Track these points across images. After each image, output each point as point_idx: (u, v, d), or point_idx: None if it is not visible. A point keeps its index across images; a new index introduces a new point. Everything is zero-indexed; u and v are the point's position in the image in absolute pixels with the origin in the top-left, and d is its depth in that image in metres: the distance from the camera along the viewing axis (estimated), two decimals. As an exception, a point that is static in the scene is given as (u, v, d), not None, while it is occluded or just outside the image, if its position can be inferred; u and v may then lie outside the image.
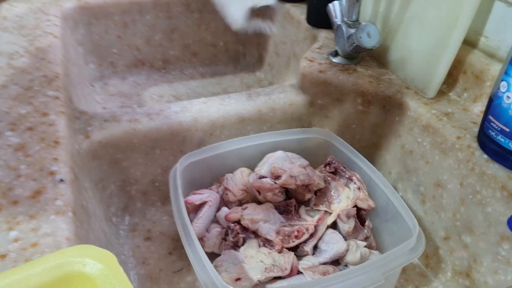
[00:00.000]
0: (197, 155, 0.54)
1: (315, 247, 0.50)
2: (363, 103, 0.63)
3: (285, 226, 0.50)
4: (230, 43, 0.92)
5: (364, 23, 0.60)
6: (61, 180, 0.39)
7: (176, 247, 0.55)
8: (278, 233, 0.49)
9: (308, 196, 0.54)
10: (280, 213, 0.52)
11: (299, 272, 0.48)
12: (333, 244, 0.50)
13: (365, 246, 0.52)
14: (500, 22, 0.53)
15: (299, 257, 0.50)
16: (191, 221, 0.50)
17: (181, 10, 0.87)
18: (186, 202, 0.51)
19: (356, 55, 0.66)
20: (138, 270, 0.52)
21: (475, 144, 0.49)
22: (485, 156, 0.47)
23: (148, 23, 0.85)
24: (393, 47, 0.63)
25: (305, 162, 0.58)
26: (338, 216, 0.52)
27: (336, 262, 0.50)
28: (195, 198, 0.52)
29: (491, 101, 0.46)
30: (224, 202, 0.55)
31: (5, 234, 0.33)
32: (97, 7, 0.80)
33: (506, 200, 0.44)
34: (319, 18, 0.74)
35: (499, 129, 0.44)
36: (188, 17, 0.88)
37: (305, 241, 0.50)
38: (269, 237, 0.48)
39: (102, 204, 0.54)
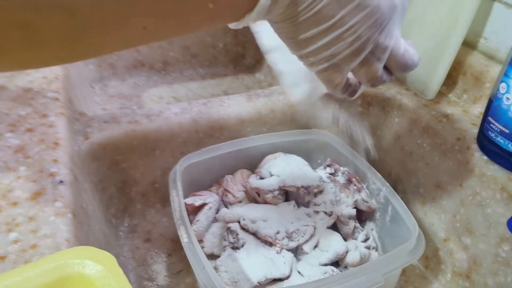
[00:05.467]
0: (196, 156, 0.54)
1: (315, 249, 0.50)
2: (362, 104, 0.63)
3: (284, 227, 0.50)
4: (230, 45, 0.92)
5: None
6: (61, 182, 0.39)
7: (175, 248, 0.55)
8: (277, 234, 0.49)
9: (307, 198, 0.54)
10: (280, 214, 0.52)
11: (298, 274, 0.48)
12: (333, 246, 0.50)
13: (365, 248, 0.52)
14: (499, 24, 0.53)
15: (299, 258, 0.50)
16: (191, 222, 0.49)
17: (181, 12, 0.87)
18: (185, 204, 0.50)
19: (356, 57, 0.66)
20: (138, 272, 0.52)
21: (474, 146, 0.49)
22: (485, 157, 0.47)
23: (148, 25, 0.85)
24: (393, 48, 0.63)
25: (304, 163, 0.58)
26: (338, 217, 0.52)
27: (336, 263, 0.50)
28: (195, 200, 0.52)
29: (490, 102, 0.46)
30: (224, 203, 0.55)
31: (4, 235, 0.33)
32: (97, 9, 0.80)
33: (506, 202, 0.44)
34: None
35: (498, 130, 0.44)
36: (188, 18, 0.88)
37: (304, 243, 0.50)
38: (268, 239, 0.48)
39: (102, 206, 0.54)
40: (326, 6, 0.26)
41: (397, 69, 0.33)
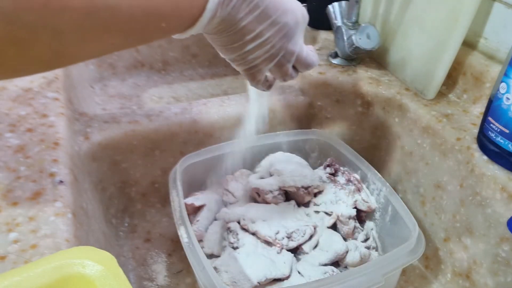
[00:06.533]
0: (197, 156, 0.54)
1: (315, 249, 0.50)
2: (362, 104, 0.63)
3: (284, 227, 0.50)
4: (229, 45, 0.92)
5: (363, 25, 0.60)
6: (61, 182, 0.39)
7: (175, 248, 0.55)
8: (277, 234, 0.49)
9: (307, 198, 0.54)
10: (280, 214, 0.52)
11: (298, 274, 0.48)
12: (332, 246, 0.50)
13: (365, 248, 0.52)
14: (499, 24, 0.53)
15: (299, 258, 0.50)
16: (191, 222, 0.49)
17: (181, 12, 0.86)
18: (185, 204, 0.50)
19: (356, 57, 0.66)
20: (138, 272, 0.52)
21: (474, 146, 0.49)
22: (485, 157, 0.47)
23: (147, 25, 0.84)
24: (393, 48, 0.63)
25: (304, 163, 0.58)
26: (338, 217, 0.52)
27: (336, 263, 0.50)
28: (195, 200, 0.52)
29: (490, 102, 0.46)
30: (224, 203, 0.55)
31: (4, 235, 0.33)
32: (97, 9, 0.80)
33: (506, 201, 0.44)
34: (319, 19, 0.74)
35: (498, 130, 0.44)
36: (187, 18, 0.87)
37: (304, 243, 0.50)
38: (268, 239, 0.48)
39: (102, 206, 0.54)
40: (248, 23, 0.35)
41: (302, 67, 0.42)
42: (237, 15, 0.34)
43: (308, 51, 0.42)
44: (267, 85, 0.44)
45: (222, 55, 0.40)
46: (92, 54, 0.31)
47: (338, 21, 0.64)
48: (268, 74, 0.43)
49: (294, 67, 0.42)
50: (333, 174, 0.57)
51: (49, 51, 0.27)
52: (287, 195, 0.55)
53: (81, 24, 0.26)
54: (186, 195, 0.53)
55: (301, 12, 0.39)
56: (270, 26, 0.36)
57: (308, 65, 0.42)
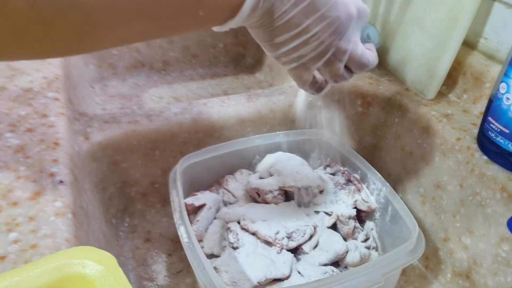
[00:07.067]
0: (197, 156, 0.54)
1: (315, 249, 0.50)
2: (362, 104, 0.63)
3: (284, 227, 0.50)
4: (230, 45, 0.92)
5: (363, 25, 0.60)
6: (61, 182, 0.39)
7: (175, 248, 0.55)
8: (277, 234, 0.49)
9: (307, 198, 0.54)
10: (280, 214, 0.52)
11: (298, 274, 0.48)
12: (332, 246, 0.50)
13: (365, 248, 0.52)
14: (499, 24, 0.53)
15: (299, 258, 0.50)
16: (191, 222, 0.49)
17: (181, 12, 0.86)
18: (185, 204, 0.50)
19: (356, 57, 0.66)
20: (138, 272, 0.52)
21: (474, 146, 0.49)
22: (485, 157, 0.47)
23: (148, 25, 0.84)
24: (393, 48, 0.63)
25: (304, 163, 0.58)
26: (338, 217, 0.52)
27: (336, 263, 0.50)
28: (195, 200, 0.52)
29: (490, 102, 0.46)
30: (224, 203, 0.55)
31: (4, 235, 0.33)
32: (97, 9, 0.80)
33: (506, 202, 0.44)
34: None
35: (498, 130, 0.44)
36: (188, 18, 0.87)
37: (304, 243, 0.50)
38: (268, 239, 0.48)
39: (102, 206, 0.54)
40: (294, 16, 0.32)
41: (355, 68, 0.38)
42: (282, 7, 0.31)
43: (364, 50, 0.38)
44: (316, 87, 0.40)
45: (266, 52, 0.37)
46: (122, 39, 0.29)
47: (338, 21, 0.64)
48: (319, 75, 0.39)
49: (347, 67, 0.38)
50: (333, 174, 0.57)
51: (75, 32, 0.25)
52: (287, 195, 0.55)
53: (111, 3, 0.25)
54: (186, 195, 0.53)
55: (356, 6, 0.35)
56: (318, 20, 0.33)
57: (363, 65, 0.38)
